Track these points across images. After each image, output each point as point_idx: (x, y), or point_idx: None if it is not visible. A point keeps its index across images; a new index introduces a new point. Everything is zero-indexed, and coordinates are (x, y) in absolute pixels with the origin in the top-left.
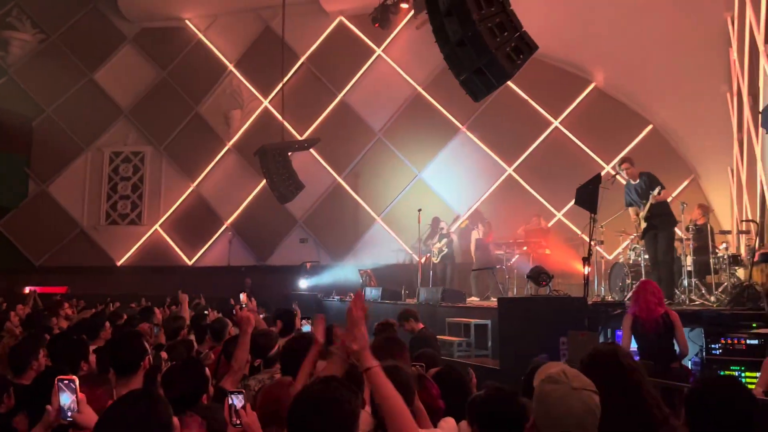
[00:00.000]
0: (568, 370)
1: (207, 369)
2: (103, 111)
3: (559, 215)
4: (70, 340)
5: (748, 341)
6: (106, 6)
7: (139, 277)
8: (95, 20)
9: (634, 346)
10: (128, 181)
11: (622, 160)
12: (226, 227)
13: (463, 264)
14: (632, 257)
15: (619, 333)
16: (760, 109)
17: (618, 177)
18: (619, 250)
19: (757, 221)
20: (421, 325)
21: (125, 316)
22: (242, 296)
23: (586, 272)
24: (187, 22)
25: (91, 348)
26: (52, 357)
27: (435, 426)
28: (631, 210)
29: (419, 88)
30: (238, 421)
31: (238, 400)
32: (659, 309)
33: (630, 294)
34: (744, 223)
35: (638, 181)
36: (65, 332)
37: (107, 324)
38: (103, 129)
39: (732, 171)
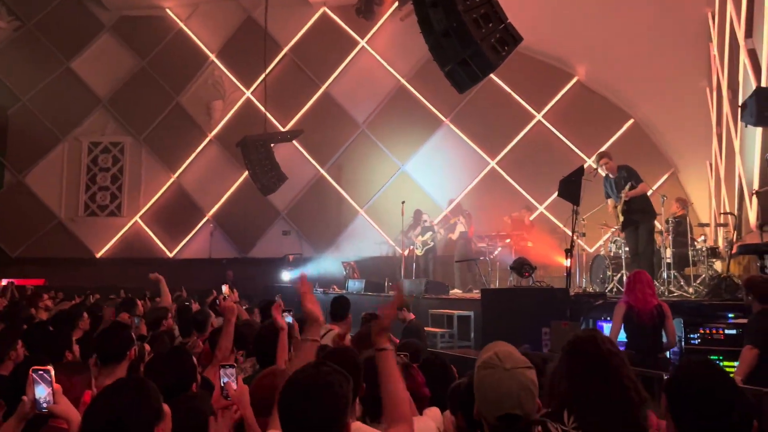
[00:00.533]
0: (500, 352)
1: (194, 358)
2: (81, 100)
3: (541, 208)
4: (47, 330)
5: (726, 331)
6: None
7: (119, 270)
8: (72, 8)
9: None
10: (107, 171)
11: (600, 155)
12: (208, 219)
13: (445, 256)
14: (613, 249)
15: (600, 323)
16: (740, 103)
17: (599, 170)
18: (601, 242)
19: (735, 214)
20: (412, 316)
21: (105, 308)
22: (224, 288)
23: (568, 264)
24: (168, 10)
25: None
26: (29, 348)
27: (420, 414)
28: (609, 201)
29: (403, 81)
30: (229, 394)
31: (229, 374)
32: (654, 300)
33: (610, 285)
34: (722, 215)
35: (617, 174)
36: (43, 323)
37: (85, 315)
38: (81, 119)
39: (711, 165)
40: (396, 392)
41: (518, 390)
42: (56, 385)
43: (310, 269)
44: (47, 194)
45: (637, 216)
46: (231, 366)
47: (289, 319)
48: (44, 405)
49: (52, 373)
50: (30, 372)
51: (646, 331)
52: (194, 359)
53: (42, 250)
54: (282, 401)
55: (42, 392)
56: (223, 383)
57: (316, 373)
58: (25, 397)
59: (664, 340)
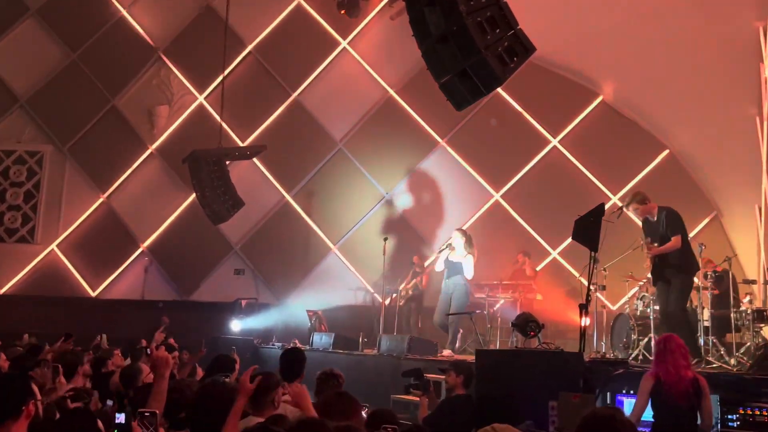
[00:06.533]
0: (497, 427)
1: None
2: None
3: (554, 254)
4: None
5: None
6: None
7: (29, 310)
8: None
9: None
10: (20, 187)
11: (633, 196)
12: (142, 251)
13: (433, 308)
14: (640, 308)
15: (620, 398)
16: None
17: (631, 214)
18: (625, 298)
19: None
20: (463, 391)
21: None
22: (158, 335)
23: (583, 323)
24: None
25: None
26: None
27: None
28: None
29: (391, 91)
30: None
31: (148, 423)
32: (688, 373)
33: (635, 351)
34: None
35: (657, 217)
36: None
37: None
38: None
39: (760, 209)
40: None
41: None
42: None
43: (267, 318)
44: None
45: (670, 272)
46: (152, 413)
47: None
48: None
49: None
50: None
51: (678, 410)
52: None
53: None
54: None
55: None
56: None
57: None
58: None
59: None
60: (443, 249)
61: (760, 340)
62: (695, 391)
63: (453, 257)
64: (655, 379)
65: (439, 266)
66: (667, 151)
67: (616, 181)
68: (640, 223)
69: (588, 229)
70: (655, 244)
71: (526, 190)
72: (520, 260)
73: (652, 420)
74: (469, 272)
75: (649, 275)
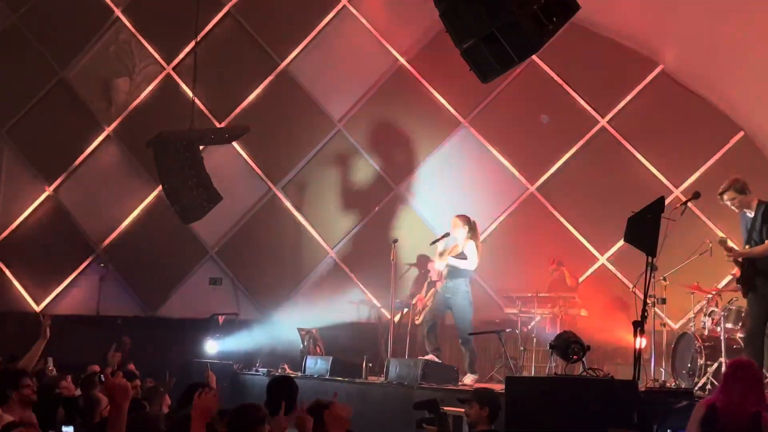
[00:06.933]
0: None
1: None
2: None
3: (602, 259)
4: None
5: None
6: None
7: None
8: None
9: None
10: None
11: (731, 183)
12: (98, 256)
13: (453, 326)
14: (707, 326)
15: None
16: None
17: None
18: (690, 315)
19: None
20: (488, 427)
21: None
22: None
23: (638, 345)
24: None
25: None
26: None
27: None
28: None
29: (402, 60)
30: None
31: None
32: (752, 407)
33: (702, 380)
34: None
35: (755, 213)
36: None
37: None
38: None
39: None
40: None
41: None
42: None
43: (250, 338)
44: None
45: (760, 279)
46: None
47: None
48: None
49: None
50: None
51: None
52: None
53: None
54: None
55: None
56: None
57: None
58: None
59: None
60: (438, 240)
61: None
62: (754, 427)
63: (454, 252)
64: (708, 408)
65: (441, 264)
66: (742, 133)
67: (678, 170)
68: (707, 221)
69: (644, 229)
70: (747, 246)
71: (567, 182)
72: (556, 269)
73: None
74: (472, 262)
75: (722, 283)
